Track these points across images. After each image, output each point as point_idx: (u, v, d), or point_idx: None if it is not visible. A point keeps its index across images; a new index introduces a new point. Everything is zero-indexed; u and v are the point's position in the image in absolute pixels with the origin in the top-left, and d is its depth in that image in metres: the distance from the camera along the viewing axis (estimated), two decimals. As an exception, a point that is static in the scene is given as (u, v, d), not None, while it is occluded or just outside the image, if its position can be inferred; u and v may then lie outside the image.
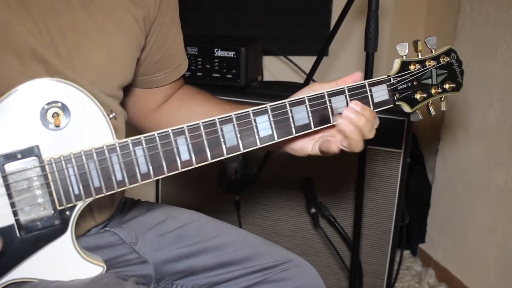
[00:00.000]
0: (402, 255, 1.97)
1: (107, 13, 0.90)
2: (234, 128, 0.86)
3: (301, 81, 1.68)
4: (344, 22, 1.43)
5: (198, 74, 1.74)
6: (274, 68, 2.17)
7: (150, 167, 0.82)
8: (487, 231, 1.81)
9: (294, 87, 1.75)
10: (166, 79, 1.11)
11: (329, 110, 0.91)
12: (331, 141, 0.93)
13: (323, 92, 0.91)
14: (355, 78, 0.93)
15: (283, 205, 1.80)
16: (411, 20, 2.30)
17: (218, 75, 1.73)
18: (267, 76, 2.09)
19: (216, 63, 1.72)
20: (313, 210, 1.70)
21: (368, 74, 1.37)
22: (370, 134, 0.92)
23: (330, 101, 0.91)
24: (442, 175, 2.07)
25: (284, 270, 0.99)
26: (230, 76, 1.72)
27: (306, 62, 1.84)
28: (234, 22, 2.15)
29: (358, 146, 0.92)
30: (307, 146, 0.97)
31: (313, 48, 2.17)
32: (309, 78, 1.57)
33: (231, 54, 1.70)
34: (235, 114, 0.86)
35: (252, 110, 0.87)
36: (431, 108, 1.00)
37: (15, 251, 0.79)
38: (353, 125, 0.90)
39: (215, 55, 1.71)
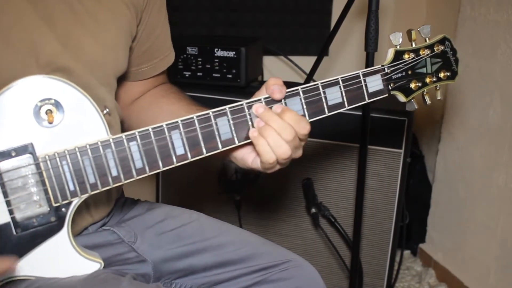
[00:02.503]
0: (402, 255, 1.97)
1: (100, 1, 0.90)
2: (229, 122, 0.85)
3: (301, 81, 1.68)
4: (344, 22, 1.43)
5: (198, 74, 1.75)
6: (274, 68, 2.17)
7: (145, 162, 0.82)
8: (487, 231, 1.81)
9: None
10: (152, 71, 1.10)
11: (249, 122, 0.86)
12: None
13: (317, 83, 0.89)
14: (274, 82, 0.88)
15: (283, 205, 1.80)
16: (411, 20, 2.30)
17: (218, 75, 1.73)
18: (267, 76, 2.09)
19: (216, 63, 1.72)
20: (313, 210, 1.70)
21: (368, 74, 1.37)
22: (282, 147, 0.84)
23: (324, 92, 0.89)
24: (442, 175, 2.07)
25: (284, 270, 0.99)
26: (230, 76, 1.72)
27: (306, 62, 1.85)
28: (234, 22, 2.15)
29: (269, 158, 0.84)
30: (248, 158, 0.92)
31: (313, 48, 2.17)
32: (309, 78, 1.57)
33: (231, 54, 1.70)
34: (229, 107, 0.85)
35: (246, 102, 0.86)
36: (426, 97, 0.99)
37: (12, 249, 0.79)
38: (260, 135, 0.84)
39: (215, 55, 1.71)
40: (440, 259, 2.10)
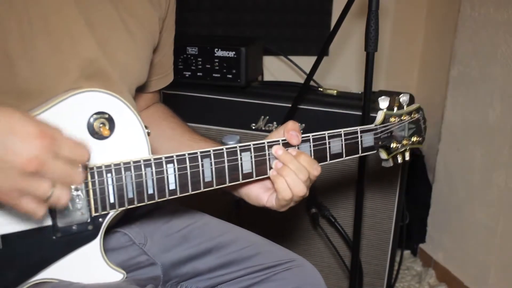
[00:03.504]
0: (402, 255, 1.97)
1: (132, 11, 0.92)
2: (251, 158, 0.91)
3: (301, 81, 1.68)
4: (344, 22, 1.43)
5: (198, 74, 1.74)
6: (274, 68, 2.17)
7: (178, 185, 0.86)
8: (487, 231, 1.81)
9: (294, 87, 1.75)
10: (154, 85, 1.12)
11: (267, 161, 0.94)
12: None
13: (324, 134, 0.97)
14: (292, 128, 0.94)
15: (283, 205, 1.79)
16: (411, 20, 2.30)
17: (218, 75, 1.73)
18: (268, 76, 2.09)
19: (216, 63, 1.72)
20: (313, 210, 1.70)
21: (368, 74, 1.37)
22: (298, 187, 0.91)
23: (329, 142, 0.98)
24: (442, 175, 2.07)
25: (286, 270, 1.00)
26: (230, 76, 1.72)
27: (306, 62, 1.85)
28: (234, 22, 2.15)
29: (285, 195, 0.92)
30: (263, 197, 0.98)
31: (313, 48, 2.18)
32: (309, 78, 1.57)
33: (231, 54, 1.70)
34: (253, 144, 0.91)
35: (268, 142, 0.92)
36: (399, 157, 1.10)
37: (48, 253, 0.80)
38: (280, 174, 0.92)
39: (215, 55, 1.71)
40: (440, 259, 2.10)
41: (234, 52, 1.70)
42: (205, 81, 1.74)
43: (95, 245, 0.83)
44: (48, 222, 0.79)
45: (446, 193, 2.06)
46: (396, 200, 1.69)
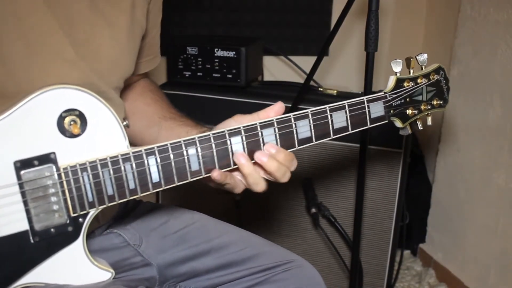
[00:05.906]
0: (402, 255, 1.97)
1: (115, 3, 0.91)
2: (242, 140, 0.87)
3: (301, 81, 1.68)
4: (344, 22, 1.43)
5: (198, 74, 1.75)
6: (274, 68, 2.17)
7: (162, 177, 0.83)
8: (487, 231, 1.81)
9: (294, 87, 1.75)
10: (142, 67, 1.11)
11: (229, 150, 0.88)
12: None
13: (325, 108, 0.90)
14: (277, 109, 0.90)
15: (283, 205, 1.80)
16: (411, 20, 2.30)
17: (218, 75, 1.73)
18: (268, 76, 2.09)
19: (216, 63, 1.72)
20: (313, 210, 1.70)
21: (368, 74, 1.37)
22: (284, 178, 0.92)
23: (331, 116, 0.91)
24: (442, 175, 2.07)
25: (286, 270, 1.00)
26: (230, 76, 1.72)
27: (306, 62, 1.85)
28: (234, 22, 2.15)
29: (261, 186, 0.91)
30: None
31: (313, 48, 2.18)
32: (309, 78, 1.57)
33: (231, 54, 1.70)
34: (243, 127, 0.87)
35: (260, 123, 0.88)
36: (419, 123, 1.02)
37: (28, 257, 0.79)
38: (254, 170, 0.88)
39: (215, 55, 1.72)
40: (440, 259, 2.10)
41: (234, 52, 1.70)
42: (205, 81, 1.74)
43: (78, 245, 0.81)
44: (25, 226, 0.78)
45: (446, 193, 2.06)
46: (396, 200, 1.69)
